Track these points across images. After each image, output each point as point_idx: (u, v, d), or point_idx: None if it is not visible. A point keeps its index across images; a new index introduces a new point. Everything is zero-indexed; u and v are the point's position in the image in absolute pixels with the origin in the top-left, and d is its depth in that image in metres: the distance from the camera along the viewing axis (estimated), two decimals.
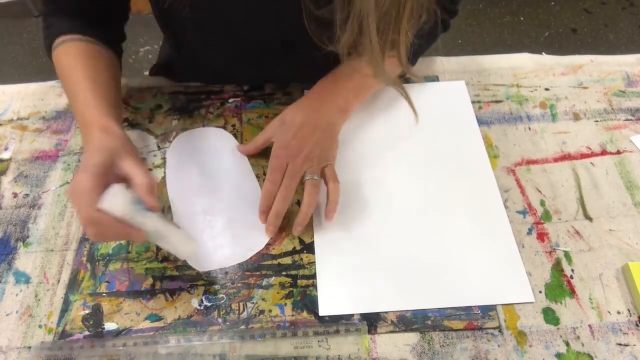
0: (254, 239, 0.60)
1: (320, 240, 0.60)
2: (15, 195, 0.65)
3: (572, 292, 0.56)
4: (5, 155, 0.69)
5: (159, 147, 0.69)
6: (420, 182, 0.65)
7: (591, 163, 0.67)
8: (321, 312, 0.55)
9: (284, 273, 0.58)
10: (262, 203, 0.60)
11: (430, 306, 0.55)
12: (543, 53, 0.80)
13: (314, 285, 0.57)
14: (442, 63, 0.78)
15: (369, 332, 0.54)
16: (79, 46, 0.63)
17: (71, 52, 0.62)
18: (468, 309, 0.55)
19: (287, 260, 0.59)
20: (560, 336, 0.53)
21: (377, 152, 0.68)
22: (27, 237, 0.61)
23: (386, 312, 0.55)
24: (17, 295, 0.57)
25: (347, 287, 0.57)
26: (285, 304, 0.56)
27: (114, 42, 0.68)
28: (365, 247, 0.59)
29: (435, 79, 0.76)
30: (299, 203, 0.63)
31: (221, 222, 0.61)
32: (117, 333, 0.54)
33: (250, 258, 0.59)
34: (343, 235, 0.60)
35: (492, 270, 0.57)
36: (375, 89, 0.70)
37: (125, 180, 0.51)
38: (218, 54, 0.70)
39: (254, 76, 0.75)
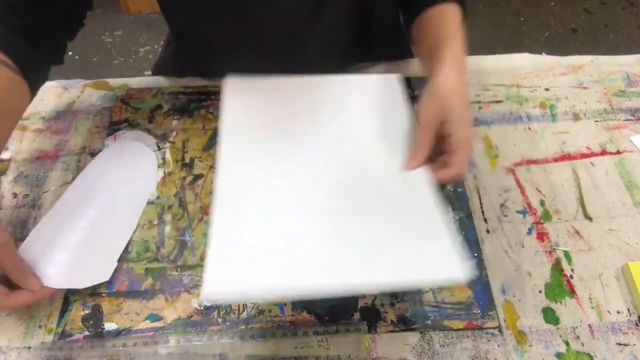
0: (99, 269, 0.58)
1: (221, 208, 0.51)
2: (15, 195, 0.65)
3: (572, 292, 0.56)
4: (5, 155, 0.69)
5: (159, 147, 0.69)
6: (341, 159, 0.57)
7: (591, 163, 0.67)
8: (204, 296, 0.44)
9: None
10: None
11: (345, 289, 0.46)
12: (543, 53, 0.80)
13: None
14: None
15: (369, 331, 0.54)
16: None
17: None
18: (468, 308, 0.55)
19: None
20: (560, 336, 0.53)
21: (300, 140, 0.60)
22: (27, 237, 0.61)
23: (386, 313, 0.55)
24: None
25: (245, 265, 0.47)
26: (285, 304, 0.56)
27: (43, 58, 0.59)
28: (273, 224, 0.51)
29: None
30: None
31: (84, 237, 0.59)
32: (117, 333, 0.54)
33: None
34: (248, 208, 0.52)
35: (414, 247, 0.50)
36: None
37: None
38: (228, 43, 0.70)
39: (262, 69, 0.74)
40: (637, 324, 0.54)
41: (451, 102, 0.54)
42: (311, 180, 0.55)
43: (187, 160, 0.68)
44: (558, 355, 0.52)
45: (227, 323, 0.55)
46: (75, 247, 0.58)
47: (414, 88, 0.75)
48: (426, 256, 0.49)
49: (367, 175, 0.56)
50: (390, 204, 0.53)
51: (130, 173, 0.67)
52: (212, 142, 0.70)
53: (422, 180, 0.55)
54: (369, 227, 0.51)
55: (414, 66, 0.78)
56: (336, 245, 0.49)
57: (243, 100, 0.63)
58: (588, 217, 0.62)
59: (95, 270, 0.57)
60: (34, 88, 0.58)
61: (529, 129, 0.71)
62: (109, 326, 0.54)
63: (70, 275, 0.55)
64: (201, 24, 0.70)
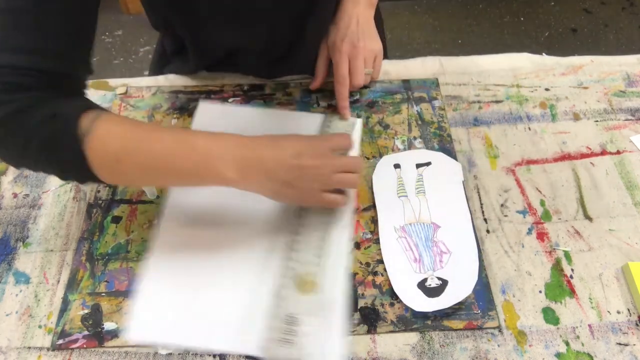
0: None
1: (154, 263, 0.58)
2: (15, 195, 0.65)
3: (572, 292, 0.56)
4: None
5: None
6: (275, 226, 0.61)
7: (591, 163, 0.67)
8: (131, 336, 0.53)
9: None
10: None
11: (241, 352, 0.53)
12: (543, 53, 0.80)
13: None
14: (442, 64, 0.78)
15: (369, 332, 0.54)
16: (116, 115, 0.55)
17: (122, 120, 0.52)
18: (468, 308, 0.55)
19: None
20: (560, 336, 0.53)
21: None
22: (27, 237, 0.61)
23: (386, 313, 0.55)
24: (17, 295, 0.57)
25: (165, 315, 0.54)
26: None
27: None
28: (195, 281, 0.57)
29: (434, 80, 0.76)
30: None
31: None
32: (116, 333, 0.54)
33: None
34: (177, 265, 0.58)
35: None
36: None
37: None
38: (226, 35, 0.70)
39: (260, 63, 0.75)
40: (637, 324, 0.54)
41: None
42: (241, 244, 0.59)
43: None
44: (558, 355, 0.52)
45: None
46: None
47: (413, 89, 0.75)
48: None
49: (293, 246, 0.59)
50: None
51: None
52: None
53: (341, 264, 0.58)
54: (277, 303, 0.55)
55: (414, 66, 0.78)
56: (241, 317, 0.54)
57: (210, 123, 0.69)
58: (588, 217, 0.62)
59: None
60: None
61: (529, 129, 0.71)
62: (109, 326, 0.54)
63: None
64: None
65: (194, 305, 0.55)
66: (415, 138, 0.70)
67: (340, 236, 0.60)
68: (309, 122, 0.71)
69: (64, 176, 0.52)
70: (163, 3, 0.65)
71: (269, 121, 0.72)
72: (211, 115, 0.72)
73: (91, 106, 0.50)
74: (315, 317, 0.53)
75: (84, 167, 0.48)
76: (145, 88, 0.76)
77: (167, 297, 0.56)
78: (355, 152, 0.67)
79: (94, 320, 0.55)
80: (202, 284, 0.57)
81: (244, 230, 0.61)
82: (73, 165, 0.49)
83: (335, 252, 0.58)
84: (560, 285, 0.57)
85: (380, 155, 0.68)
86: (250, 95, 0.75)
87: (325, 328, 0.53)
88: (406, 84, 0.76)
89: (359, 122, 0.71)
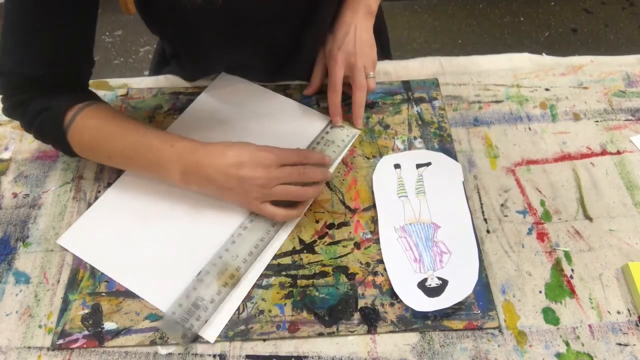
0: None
1: (114, 193, 0.64)
2: (15, 195, 0.65)
3: (572, 292, 0.56)
4: (5, 155, 0.69)
5: None
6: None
7: (591, 163, 0.67)
8: (59, 240, 0.60)
9: (283, 273, 0.58)
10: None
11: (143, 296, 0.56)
12: (543, 53, 0.80)
13: (314, 285, 0.57)
14: (442, 64, 0.78)
15: (369, 332, 0.54)
16: (98, 108, 0.60)
17: (98, 115, 0.60)
18: (468, 308, 0.55)
19: (286, 260, 0.59)
20: (560, 336, 0.53)
21: None
22: (27, 237, 0.61)
23: (386, 313, 0.55)
24: (17, 295, 0.57)
25: (101, 240, 0.60)
26: (285, 304, 0.56)
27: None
28: (141, 228, 0.61)
29: (434, 81, 0.76)
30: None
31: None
32: (116, 333, 0.54)
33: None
34: (132, 205, 0.63)
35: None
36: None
37: None
38: (226, 48, 0.71)
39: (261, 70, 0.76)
40: (637, 324, 0.54)
41: (332, 55, 0.69)
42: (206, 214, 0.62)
43: None
44: (558, 355, 0.52)
45: (227, 323, 0.55)
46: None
47: (413, 89, 0.75)
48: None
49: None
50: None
51: None
52: None
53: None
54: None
55: (414, 67, 0.78)
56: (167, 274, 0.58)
57: (219, 96, 0.75)
58: (588, 217, 0.62)
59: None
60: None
61: (529, 129, 0.71)
62: (109, 326, 0.54)
63: None
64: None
65: (130, 245, 0.60)
66: (415, 138, 0.70)
67: (272, 245, 0.60)
68: (316, 121, 0.72)
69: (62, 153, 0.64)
70: (162, 32, 0.69)
71: (278, 108, 0.73)
72: (227, 86, 0.75)
73: (80, 99, 0.60)
74: (215, 306, 0.55)
75: (70, 151, 0.61)
76: (146, 90, 0.76)
77: (111, 225, 0.61)
78: (334, 163, 0.67)
79: (94, 320, 0.55)
80: (146, 231, 0.61)
81: (206, 203, 0.62)
82: (62, 149, 0.62)
83: (263, 258, 0.59)
84: (560, 285, 0.57)
85: (381, 155, 0.68)
86: None
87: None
88: (406, 84, 0.76)
89: (356, 134, 0.70)
